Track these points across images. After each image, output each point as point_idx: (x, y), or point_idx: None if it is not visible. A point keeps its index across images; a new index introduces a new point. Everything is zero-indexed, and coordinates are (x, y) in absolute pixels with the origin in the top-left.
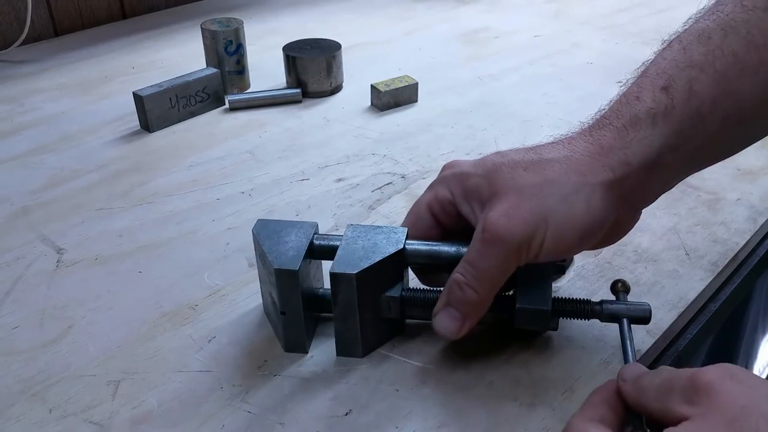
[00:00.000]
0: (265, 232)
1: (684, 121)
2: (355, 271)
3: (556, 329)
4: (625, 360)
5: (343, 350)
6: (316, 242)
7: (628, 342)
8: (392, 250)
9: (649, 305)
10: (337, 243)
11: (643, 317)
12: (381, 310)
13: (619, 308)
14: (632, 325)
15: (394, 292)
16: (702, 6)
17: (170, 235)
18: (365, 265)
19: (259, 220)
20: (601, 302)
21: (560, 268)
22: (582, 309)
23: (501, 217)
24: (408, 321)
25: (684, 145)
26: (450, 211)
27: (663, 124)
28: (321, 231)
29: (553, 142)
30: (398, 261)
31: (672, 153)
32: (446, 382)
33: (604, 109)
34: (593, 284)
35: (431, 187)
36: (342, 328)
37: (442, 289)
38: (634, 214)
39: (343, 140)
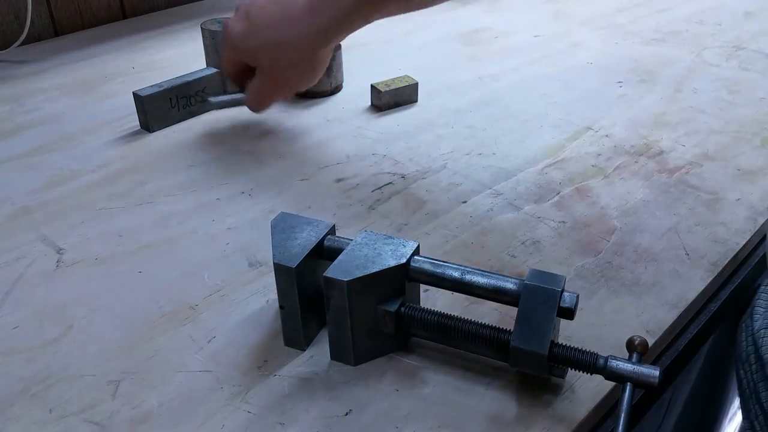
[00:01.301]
0: (281, 226)
1: None
2: (347, 279)
3: (563, 377)
4: (615, 427)
5: (336, 355)
6: (326, 243)
7: (624, 409)
8: (393, 263)
9: (657, 372)
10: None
11: (648, 384)
12: (377, 323)
13: (625, 370)
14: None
15: (391, 306)
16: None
17: (170, 235)
18: (360, 273)
19: (281, 213)
20: (608, 359)
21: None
22: (584, 361)
23: (262, 85)
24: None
25: None
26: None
27: None
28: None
29: None
30: (399, 275)
31: None
32: (446, 382)
33: None
34: (593, 284)
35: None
36: (335, 333)
37: (442, 312)
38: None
39: (343, 140)
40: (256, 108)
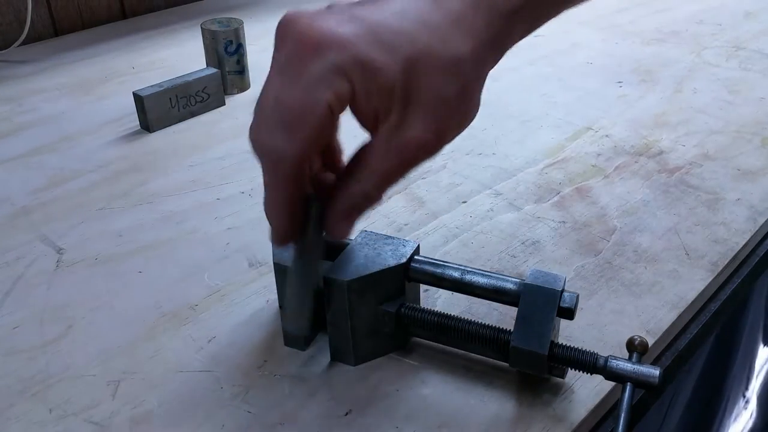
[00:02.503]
0: None
1: None
2: (347, 279)
3: (563, 377)
4: (615, 427)
5: (336, 355)
6: (326, 243)
7: (624, 409)
8: (393, 263)
9: (658, 372)
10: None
11: (649, 384)
12: (377, 323)
13: (626, 370)
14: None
15: (391, 306)
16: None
17: (170, 235)
18: (360, 274)
19: None
20: (608, 359)
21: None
22: (584, 361)
23: (426, 132)
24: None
25: None
26: (342, 109)
27: None
28: None
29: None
30: (399, 275)
31: None
32: (446, 382)
33: None
34: (593, 284)
35: (321, 76)
36: (335, 333)
37: (442, 312)
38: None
39: (343, 140)
40: (378, 192)
